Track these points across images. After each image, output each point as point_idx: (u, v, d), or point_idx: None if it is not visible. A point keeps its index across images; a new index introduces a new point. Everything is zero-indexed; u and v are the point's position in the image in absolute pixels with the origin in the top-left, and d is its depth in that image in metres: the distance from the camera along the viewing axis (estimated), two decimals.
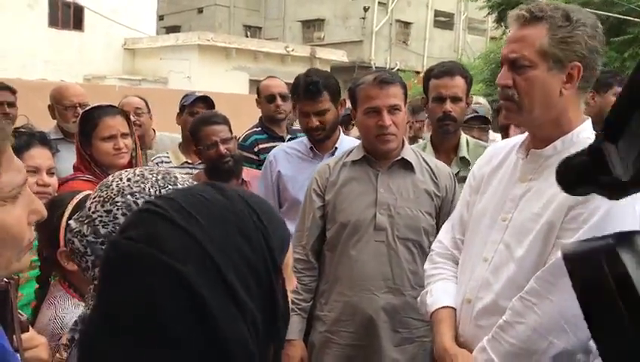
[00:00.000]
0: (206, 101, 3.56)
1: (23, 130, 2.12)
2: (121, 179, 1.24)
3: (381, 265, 2.29)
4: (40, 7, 19.48)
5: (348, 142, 2.89)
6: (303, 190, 2.72)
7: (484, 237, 1.72)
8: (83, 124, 2.44)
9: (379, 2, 25.73)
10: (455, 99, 2.70)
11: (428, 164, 2.42)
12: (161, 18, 30.87)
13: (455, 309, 1.77)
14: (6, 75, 14.81)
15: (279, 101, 3.70)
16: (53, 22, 19.94)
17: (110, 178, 1.26)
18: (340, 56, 22.22)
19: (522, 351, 1.54)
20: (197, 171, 3.19)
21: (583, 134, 1.61)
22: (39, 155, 2.02)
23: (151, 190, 1.23)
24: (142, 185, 1.22)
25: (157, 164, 3.35)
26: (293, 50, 21.02)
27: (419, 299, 1.94)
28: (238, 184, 2.94)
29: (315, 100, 2.75)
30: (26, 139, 2.00)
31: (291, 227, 2.77)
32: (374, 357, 2.30)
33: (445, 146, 2.78)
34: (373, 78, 2.33)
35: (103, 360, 0.72)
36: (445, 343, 1.72)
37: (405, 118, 2.39)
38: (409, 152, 2.40)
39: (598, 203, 1.48)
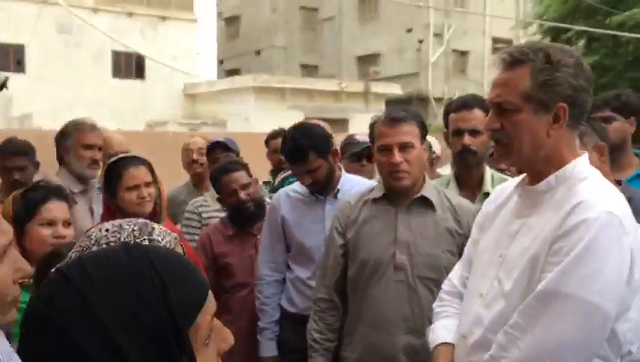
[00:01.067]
0: (222, 145, 3.69)
1: (41, 183, 2.24)
2: (100, 230, 1.30)
3: (401, 305, 2.28)
4: (104, 59, 20.59)
5: (350, 181, 2.88)
6: (308, 234, 2.77)
7: (483, 273, 1.74)
8: (109, 175, 2.55)
9: (434, 34, 25.73)
10: (474, 132, 2.63)
11: (450, 202, 2.39)
12: (221, 62, 32.04)
13: (453, 345, 1.78)
14: None
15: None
16: (117, 72, 21.02)
17: (92, 229, 1.33)
18: (394, 90, 22.27)
19: None
20: (220, 219, 3.20)
21: (577, 169, 1.61)
22: (55, 208, 2.09)
23: (126, 240, 1.28)
24: (118, 235, 1.28)
25: (197, 207, 3.52)
26: (346, 87, 21.25)
27: (426, 337, 1.96)
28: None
29: (303, 164, 2.72)
30: (42, 193, 2.10)
31: (301, 271, 2.79)
32: None
33: (469, 181, 2.72)
34: (385, 115, 2.36)
35: None
36: None
37: (421, 155, 2.35)
38: (430, 189, 2.39)
39: (581, 235, 1.47)
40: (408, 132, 2.29)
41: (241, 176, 3.05)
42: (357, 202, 2.44)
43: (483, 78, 26.35)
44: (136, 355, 0.73)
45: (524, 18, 17.50)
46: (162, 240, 1.30)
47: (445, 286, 1.97)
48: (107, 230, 1.24)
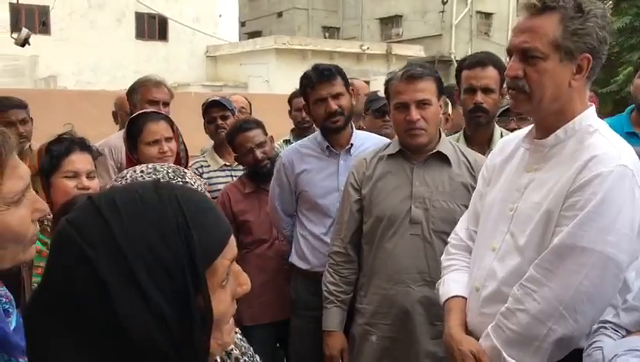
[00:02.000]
0: (217, 104, 3.59)
1: (65, 136, 2.25)
2: (135, 171, 1.36)
3: (417, 258, 2.29)
4: (127, 20, 20.61)
5: (362, 137, 2.86)
6: (322, 189, 2.75)
7: (493, 227, 1.74)
8: (130, 130, 2.59)
9: None
10: (487, 90, 2.62)
11: (466, 157, 2.40)
12: (242, 24, 31.81)
13: (465, 298, 1.80)
14: (99, 86, 15.80)
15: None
16: (140, 34, 21.05)
17: (126, 171, 1.38)
18: (416, 52, 21.94)
19: (523, 338, 1.54)
20: (241, 174, 3.28)
21: (585, 121, 1.60)
22: (79, 160, 2.11)
23: (163, 180, 1.31)
24: (154, 176, 1.32)
25: (197, 169, 3.47)
26: (368, 49, 20.99)
27: (435, 290, 1.98)
28: None
29: (330, 82, 2.67)
30: (66, 145, 2.13)
31: (314, 227, 2.78)
32: (411, 350, 2.32)
33: (478, 139, 2.71)
34: (402, 72, 2.33)
35: (33, 335, 0.80)
36: (452, 329, 1.76)
37: (438, 112, 2.35)
38: (446, 145, 2.39)
39: (595, 189, 1.48)
40: (425, 89, 2.28)
41: (256, 135, 3.04)
42: (372, 158, 2.45)
43: (507, 40, 25.82)
44: (153, 288, 0.76)
45: None
46: (194, 183, 1.34)
47: (452, 239, 1.99)
48: (142, 171, 1.27)
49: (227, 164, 3.47)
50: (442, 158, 2.36)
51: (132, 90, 3.53)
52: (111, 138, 3.52)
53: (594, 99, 2.41)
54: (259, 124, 3.13)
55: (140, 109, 3.38)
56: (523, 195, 1.66)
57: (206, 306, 0.80)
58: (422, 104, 2.27)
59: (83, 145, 2.17)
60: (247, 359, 1.45)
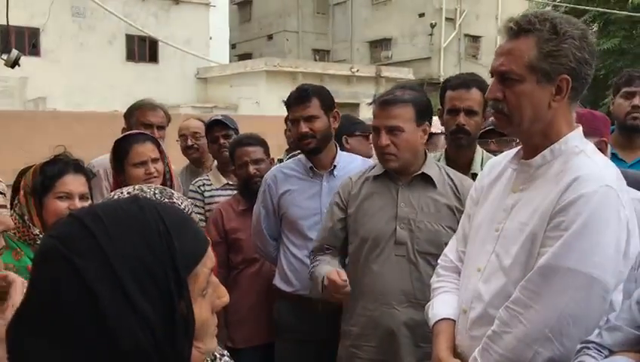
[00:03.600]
0: (221, 123, 3.60)
1: (60, 157, 2.24)
2: (122, 193, 1.39)
3: (402, 279, 2.29)
4: (118, 42, 20.68)
5: (346, 158, 2.87)
6: (305, 211, 2.76)
7: (480, 247, 1.74)
8: (116, 152, 2.58)
9: (446, 18, 25.52)
10: (470, 112, 2.62)
11: (452, 179, 2.41)
12: (233, 47, 31.99)
13: (454, 321, 1.79)
14: (88, 107, 15.77)
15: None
16: (130, 56, 21.10)
17: (113, 193, 1.41)
18: (405, 74, 22.13)
19: (510, 361, 1.53)
20: (234, 195, 3.27)
21: (571, 142, 1.60)
22: (72, 182, 2.11)
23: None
24: (142, 195, 1.33)
25: (199, 187, 3.46)
26: (358, 71, 21.17)
27: (425, 312, 1.96)
28: None
29: (304, 105, 2.70)
30: (59, 167, 2.13)
31: (295, 249, 2.78)
32: None
33: (459, 161, 2.71)
34: (379, 97, 2.36)
35: (17, 344, 0.81)
36: (440, 353, 1.74)
37: (412, 138, 2.32)
38: (431, 166, 2.40)
39: (579, 209, 1.48)
40: (398, 115, 2.29)
41: (254, 151, 3.08)
42: (359, 178, 2.47)
43: None
44: (139, 294, 0.78)
45: (537, 1, 17.31)
46: (181, 204, 1.36)
47: (442, 261, 1.98)
48: (129, 193, 1.30)
49: (230, 183, 3.46)
50: (427, 180, 2.37)
51: (129, 113, 3.55)
52: (106, 159, 3.49)
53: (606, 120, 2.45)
54: (262, 143, 3.17)
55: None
56: (509, 215, 1.66)
57: (188, 312, 0.83)
58: (392, 130, 2.29)
59: (77, 167, 2.17)
60: None
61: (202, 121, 3.95)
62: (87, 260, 0.77)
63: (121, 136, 2.69)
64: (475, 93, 2.63)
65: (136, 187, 1.35)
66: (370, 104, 2.39)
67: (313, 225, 2.73)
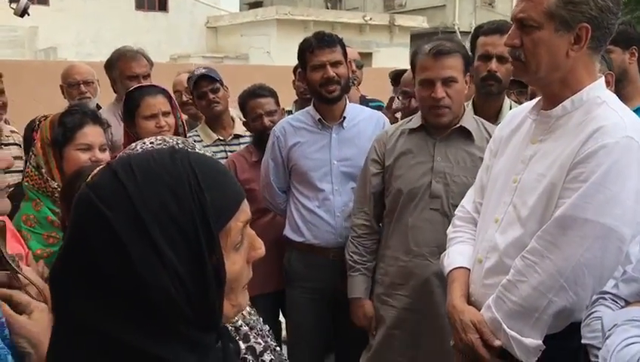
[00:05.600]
0: (206, 77, 3.36)
1: (76, 108, 2.23)
2: (144, 143, 1.39)
3: (435, 232, 2.31)
4: None
5: (355, 109, 2.84)
6: (314, 162, 2.76)
7: (497, 198, 1.74)
8: (127, 104, 2.56)
9: None
10: (502, 59, 2.56)
11: (489, 133, 2.38)
12: None
13: (469, 270, 1.81)
14: (99, 57, 15.68)
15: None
16: (140, 5, 20.81)
17: (134, 143, 1.41)
18: (420, 23, 21.70)
19: (523, 309, 1.56)
20: (245, 145, 3.27)
21: (593, 93, 1.58)
22: (92, 133, 2.10)
23: None
24: (164, 147, 1.33)
25: None
26: (371, 20, 20.76)
27: (440, 261, 1.99)
28: None
29: (331, 49, 2.65)
30: (79, 118, 2.10)
31: (306, 201, 2.79)
32: (428, 320, 2.36)
33: (487, 110, 2.68)
34: (429, 48, 2.30)
35: (58, 297, 0.83)
36: (454, 300, 1.77)
37: (463, 89, 2.33)
38: (469, 120, 2.39)
39: (600, 160, 1.47)
40: (452, 66, 2.26)
41: (268, 103, 3.07)
42: (394, 132, 2.47)
43: (511, 11, 25.48)
44: (167, 247, 0.78)
45: None
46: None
47: (458, 212, 2.00)
48: (152, 143, 1.30)
49: (221, 138, 3.39)
50: (465, 133, 2.36)
51: (110, 65, 3.44)
52: (105, 112, 3.42)
53: None
54: (273, 94, 3.14)
55: (119, 84, 3.37)
56: (527, 167, 1.66)
57: (219, 266, 0.82)
58: (448, 82, 2.26)
59: (95, 118, 2.15)
60: (255, 333, 1.47)
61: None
62: (116, 211, 0.78)
63: (132, 88, 2.67)
64: None
65: (159, 138, 1.35)
66: (416, 55, 2.34)
67: (323, 176, 2.75)
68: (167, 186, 0.81)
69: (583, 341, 1.42)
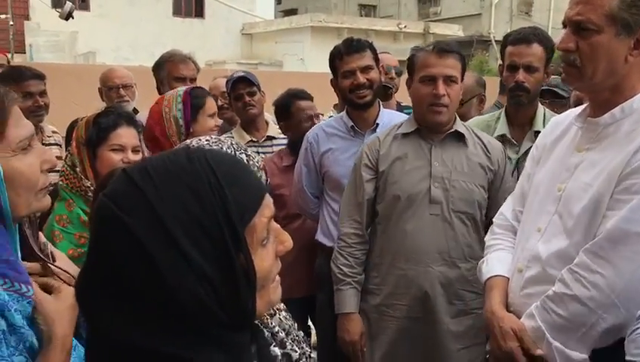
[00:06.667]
0: (244, 80, 3.40)
1: (111, 109, 2.25)
2: (199, 140, 1.40)
3: (437, 238, 2.27)
4: None
5: (389, 116, 2.80)
6: (346, 169, 2.69)
7: (540, 207, 1.69)
8: (192, 103, 2.56)
9: None
10: (530, 69, 2.53)
11: (480, 138, 2.38)
12: (278, 2, 31.68)
13: (507, 278, 1.76)
14: (136, 62, 15.98)
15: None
16: (177, 11, 21.17)
17: (189, 140, 1.42)
18: (455, 31, 21.58)
19: (570, 324, 1.50)
20: (277, 150, 3.28)
21: None
22: (125, 134, 2.10)
23: (227, 150, 1.38)
24: (219, 146, 1.39)
25: None
26: (405, 27, 20.73)
27: (477, 268, 1.94)
28: None
29: (360, 54, 2.63)
30: (113, 119, 2.11)
31: (336, 206, 2.74)
32: (431, 329, 2.30)
33: (519, 118, 2.63)
34: (433, 45, 2.30)
35: (88, 308, 0.82)
36: (493, 306, 1.72)
37: (460, 92, 2.32)
38: (460, 125, 2.37)
39: None
40: (454, 66, 2.25)
41: (312, 107, 3.06)
42: (386, 137, 2.40)
43: (548, 21, 25.13)
44: (192, 249, 0.76)
45: None
46: (254, 158, 1.39)
47: (497, 219, 1.95)
48: (207, 140, 1.32)
49: (253, 140, 3.42)
50: (459, 138, 2.33)
51: (158, 66, 3.52)
52: (142, 116, 3.51)
53: None
54: (312, 99, 3.13)
55: (166, 85, 3.41)
56: (573, 175, 1.60)
57: (248, 264, 0.80)
58: (449, 80, 2.23)
59: (129, 120, 2.16)
60: (292, 339, 1.46)
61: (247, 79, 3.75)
62: (136, 218, 0.76)
63: (190, 87, 2.69)
64: (536, 49, 2.53)
65: (214, 137, 1.38)
66: (416, 53, 2.31)
67: None
68: (187, 186, 0.78)
69: (627, 357, 1.37)
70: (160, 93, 3.62)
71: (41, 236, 1.29)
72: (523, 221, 1.80)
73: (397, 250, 2.33)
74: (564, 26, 1.56)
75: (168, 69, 3.44)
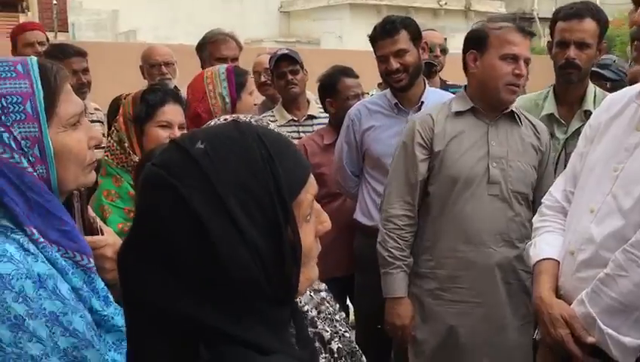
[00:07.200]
0: (287, 58, 3.39)
1: (158, 86, 2.29)
2: (218, 120, 1.40)
3: (496, 219, 2.25)
4: None
5: (435, 94, 2.75)
6: (388, 147, 2.66)
7: (594, 187, 1.65)
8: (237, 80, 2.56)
9: None
10: (581, 45, 2.43)
11: (528, 120, 2.36)
12: None
13: (558, 262, 1.72)
14: (176, 40, 16.14)
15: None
16: None
17: (210, 120, 1.44)
18: (497, 8, 21.03)
19: (623, 307, 1.47)
20: (318, 128, 3.25)
21: None
22: (171, 111, 2.13)
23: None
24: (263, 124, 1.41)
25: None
26: (446, 4, 20.29)
27: (524, 251, 1.92)
28: None
29: (393, 38, 2.59)
30: (160, 96, 2.14)
31: (378, 186, 2.71)
32: (492, 311, 2.28)
33: (568, 97, 2.55)
34: (514, 25, 2.27)
35: (129, 275, 0.82)
36: (542, 293, 1.68)
37: None
38: (513, 105, 2.34)
39: None
40: (529, 47, 2.25)
41: (358, 85, 3.05)
42: (438, 115, 2.34)
43: None
44: (246, 221, 0.76)
45: None
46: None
47: (546, 200, 1.90)
48: (225, 119, 1.32)
49: (294, 119, 3.43)
50: (512, 118, 2.30)
51: (201, 46, 3.55)
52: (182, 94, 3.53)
53: None
54: (357, 77, 3.11)
55: (208, 65, 3.38)
56: (632, 155, 1.55)
57: (295, 238, 0.81)
58: (526, 61, 2.21)
59: (176, 97, 2.19)
60: (323, 317, 1.44)
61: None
62: (191, 188, 0.76)
63: (231, 65, 2.71)
64: (588, 24, 2.44)
65: (234, 115, 1.38)
66: (493, 25, 2.27)
67: None
68: (239, 157, 0.78)
69: None
70: None
71: (90, 210, 1.32)
72: (575, 202, 1.75)
73: (455, 232, 2.29)
74: (635, 2, 1.52)
75: (210, 50, 3.46)
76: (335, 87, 3.06)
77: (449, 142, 2.30)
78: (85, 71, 3.46)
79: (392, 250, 2.36)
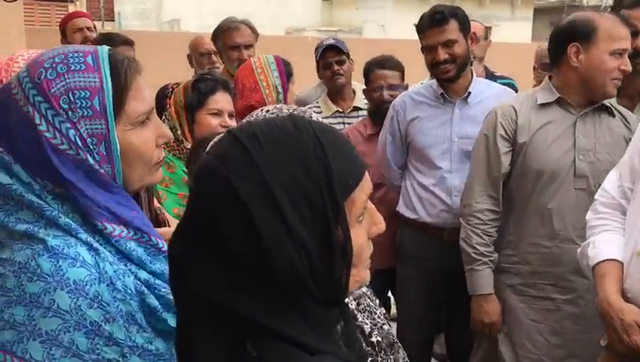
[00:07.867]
0: (334, 48, 3.35)
1: (208, 75, 2.31)
2: (261, 110, 1.41)
3: (583, 213, 2.11)
4: None
5: (483, 85, 2.69)
6: (433, 138, 2.64)
7: None
8: (286, 69, 2.57)
9: None
10: None
11: (617, 110, 2.27)
12: None
13: (621, 263, 1.64)
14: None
15: None
16: None
17: (254, 111, 1.44)
18: None
19: None
20: (365, 118, 3.23)
21: None
22: (222, 100, 2.16)
23: None
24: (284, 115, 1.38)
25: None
26: None
27: (579, 251, 1.83)
28: None
29: (441, 28, 2.54)
30: (211, 84, 2.17)
31: (422, 178, 2.69)
32: (578, 307, 2.23)
33: (630, 89, 2.46)
34: (622, 18, 2.18)
35: (177, 262, 0.82)
36: (610, 297, 1.61)
37: None
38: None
39: None
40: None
41: (392, 76, 3.01)
42: (521, 106, 2.28)
43: None
44: (295, 217, 0.75)
45: None
46: None
47: (600, 197, 1.84)
48: (267, 110, 1.33)
49: (340, 110, 3.40)
50: (602, 109, 2.22)
51: (214, 36, 3.52)
52: None
53: None
54: (400, 68, 3.07)
55: (224, 55, 3.45)
56: None
57: (345, 238, 0.79)
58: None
59: (226, 85, 2.21)
60: (362, 309, 1.43)
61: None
62: (244, 181, 0.76)
63: (278, 55, 2.67)
64: None
65: (277, 106, 1.37)
66: (596, 16, 2.18)
67: (442, 153, 2.65)
68: (294, 153, 0.77)
69: None
70: (223, 63, 3.64)
71: (156, 202, 1.31)
72: (636, 200, 1.67)
73: (540, 227, 2.24)
74: None
75: (223, 39, 3.44)
76: (368, 77, 3.06)
77: (534, 133, 2.23)
78: None
79: (477, 247, 2.31)
